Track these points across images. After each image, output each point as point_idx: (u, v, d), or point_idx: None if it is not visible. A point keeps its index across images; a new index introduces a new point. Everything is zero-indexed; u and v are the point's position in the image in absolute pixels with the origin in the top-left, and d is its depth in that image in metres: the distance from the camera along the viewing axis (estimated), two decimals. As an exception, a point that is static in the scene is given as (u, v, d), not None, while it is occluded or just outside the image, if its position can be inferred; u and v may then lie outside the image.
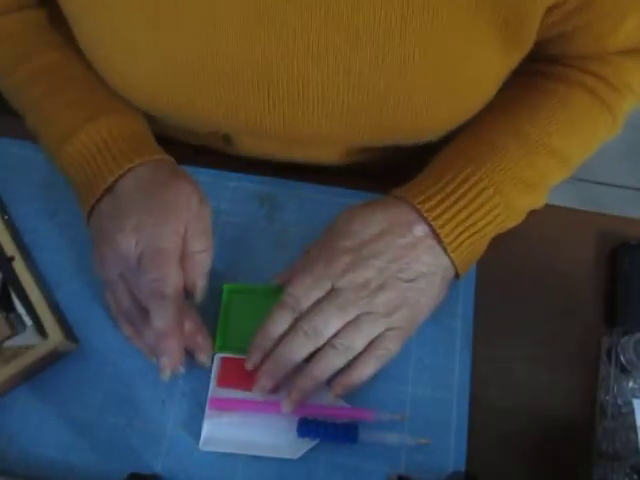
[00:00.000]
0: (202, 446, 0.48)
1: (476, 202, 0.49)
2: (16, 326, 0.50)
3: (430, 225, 0.48)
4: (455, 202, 0.48)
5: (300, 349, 0.46)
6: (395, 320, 0.47)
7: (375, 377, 0.49)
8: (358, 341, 0.47)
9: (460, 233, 0.48)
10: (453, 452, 0.49)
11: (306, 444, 0.48)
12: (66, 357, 0.51)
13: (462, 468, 0.48)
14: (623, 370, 0.50)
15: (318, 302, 0.47)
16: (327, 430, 0.47)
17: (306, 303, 0.47)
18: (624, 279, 0.55)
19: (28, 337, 0.50)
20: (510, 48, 0.46)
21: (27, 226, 0.56)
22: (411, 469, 0.48)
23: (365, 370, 0.47)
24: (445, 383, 0.51)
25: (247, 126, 0.50)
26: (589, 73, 0.53)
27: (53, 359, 0.50)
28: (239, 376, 0.49)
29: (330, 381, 0.47)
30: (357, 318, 0.47)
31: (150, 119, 0.55)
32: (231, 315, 0.52)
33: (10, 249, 0.53)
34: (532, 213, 0.54)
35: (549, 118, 0.52)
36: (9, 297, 0.51)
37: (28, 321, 0.50)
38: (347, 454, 0.48)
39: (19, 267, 0.52)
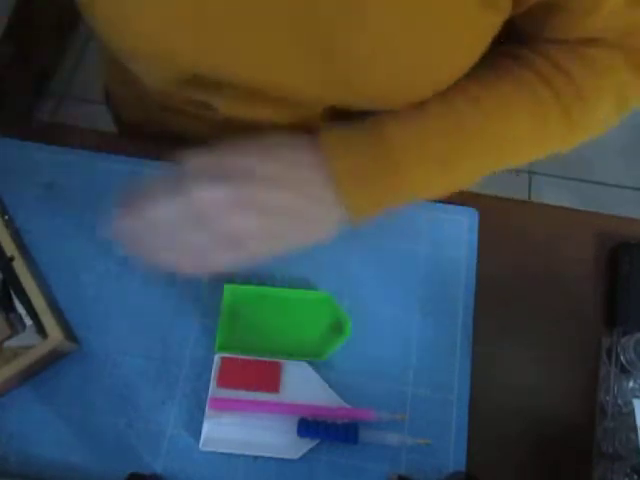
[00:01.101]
0: (202, 446, 0.48)
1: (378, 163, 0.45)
2: (16, 326, 0.50)
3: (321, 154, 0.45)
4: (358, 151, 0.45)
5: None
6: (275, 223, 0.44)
7: (375, 377, 0.49)
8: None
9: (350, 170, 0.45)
10: (453, 452, 0.49)
11: (306, 444, 0.48)
12: (66, 357, 0.51)
13: (462, 468, 0.48)
14: (623, 370, 0.50)
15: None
16: (327, 430, 0.47)
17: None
18: (624, 279, 0.55)
19: (28, 337, 0.50)
20: (489, 7, 0.43)
21: (27, 226, 0.56)
22: (411, 469, 0.48)
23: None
24: (445, 383, 0.51)
25: (219, 70, 0.47)
26: (559, 69, 0.49)
27: (53, 359, 0.50)
28: (239, 376, 0.49)
29: None
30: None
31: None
32: (231, 315, 0.52)
33: (10, 249, 0.53)
34: (532, 213, 0.54)
35: (496, 101, 0.48)
36: (9, 297, 0.51)
37: (28, 321, 0.50)
38: (347, 454, 0.48)
39: (19, 267, 0.52)
